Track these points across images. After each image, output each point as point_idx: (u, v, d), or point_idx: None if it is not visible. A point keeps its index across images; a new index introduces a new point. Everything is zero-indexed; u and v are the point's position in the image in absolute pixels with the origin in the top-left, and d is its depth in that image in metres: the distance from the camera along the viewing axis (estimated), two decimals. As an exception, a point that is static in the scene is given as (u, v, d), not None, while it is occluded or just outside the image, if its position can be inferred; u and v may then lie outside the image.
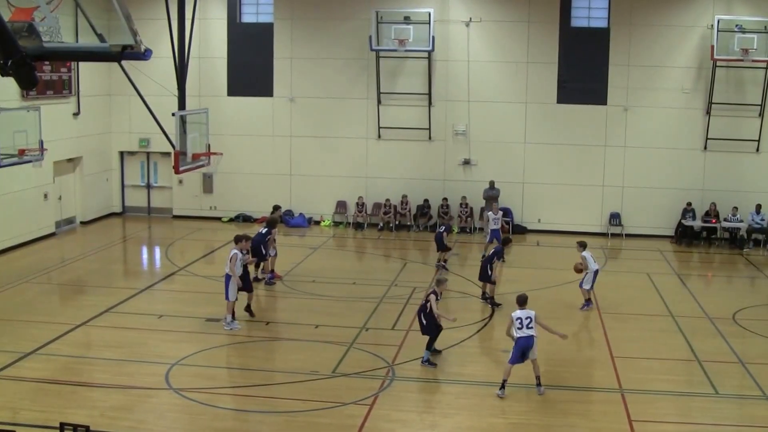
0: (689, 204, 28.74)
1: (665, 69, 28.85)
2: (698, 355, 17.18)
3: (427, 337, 16.52)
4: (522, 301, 15.21)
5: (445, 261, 24.29)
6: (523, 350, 14.85)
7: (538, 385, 15.07)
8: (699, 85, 28.72)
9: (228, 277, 18.44)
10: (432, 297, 16.40)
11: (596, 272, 20.32)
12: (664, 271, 24.97)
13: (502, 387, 14.90)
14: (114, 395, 14.64)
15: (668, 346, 17.89)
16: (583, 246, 20.52)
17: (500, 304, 20.38)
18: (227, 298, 18.48)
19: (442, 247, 24.19)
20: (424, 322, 16.48)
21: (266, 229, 21.94)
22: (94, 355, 16.91)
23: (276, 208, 24.39)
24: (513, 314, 15.07)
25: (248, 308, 19.41)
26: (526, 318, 14.91)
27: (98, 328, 18.52)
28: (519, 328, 14.86)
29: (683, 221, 28.69)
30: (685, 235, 28.64)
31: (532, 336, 14.85)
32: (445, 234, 24.06)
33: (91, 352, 17.16)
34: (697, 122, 28.82)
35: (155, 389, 14.98)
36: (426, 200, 30.18)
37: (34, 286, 22.07)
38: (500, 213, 25.99)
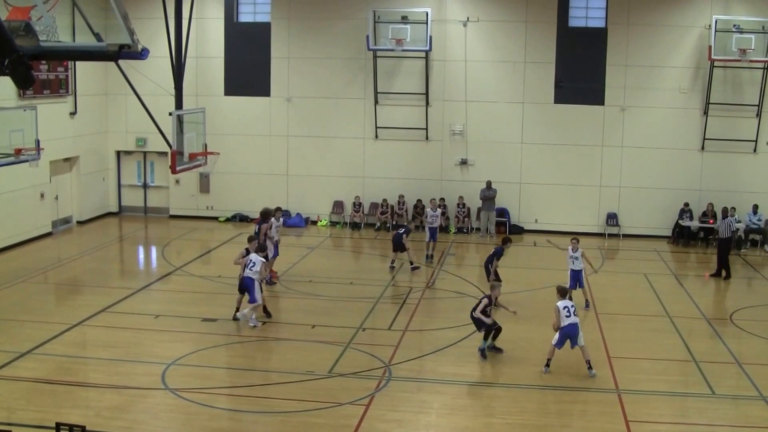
0: (686, 204, 28.76)
1: (663, 69, 28.85)
2: (695, 356, 17.19)
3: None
4: (564, 292, 16.23)
5: (411, 262, 24.17)
6: (568, 336, 15.72)
7: (590, 368, 15.84)
8: (696, 86, 28.73)
9: (252, 281, 18.46)
10: (485, 301, 16.86)
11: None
12: (660, 271, 24.98)
13: (547, 365, 16.01)
14: (109, 395, 14.61)
15: (665, 346, 17.89)
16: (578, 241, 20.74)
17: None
18: (254, 300, 18.43)
19: (400, 248, 24.01)
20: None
21: (259, 225, 21.86)
22: (90, 355, 16.91)
23: (277, 209, 24.26)
24: (558, 304, 15.86)
25: (236, 313, 19.21)
26: (572, 306, 15.87)
27: (94, 328, 18.48)
28: (567, 316, 15.71)
29: (680, 221, 28.71)
30: (682, 236, 28.65)
31: (577, 323, 15.75)
32: (404, 236, 23.90)
33: (86, 352, 17.14)
34: (695, 122, 28.83)
35: (151, 389, 14.95)
36: (419, 200, 30.08)
37: (31, 286, 22.04)
38: (439, 210, 26.01)
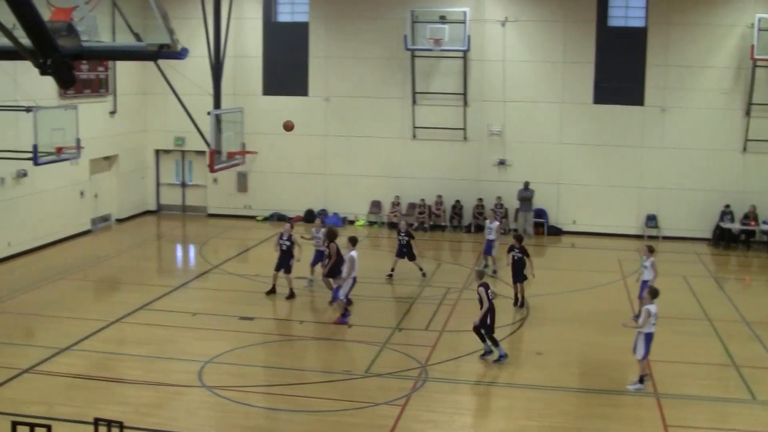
0: (727, 206, 28.33)
1: (704, 69, 28.45)
2: (735, 360, 16.94)
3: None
4: (656, 295, 15.57)
5: (420, 269, 23.28)
6: (650, 345, 15.31)
7: (641, 381, 15.44)
8: (738, 86, 28.30)
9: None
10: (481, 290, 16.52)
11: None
12: (700, 274, 24.64)
13: (641, 381, 15.35)
14: (146, 392, 14.74)
15: (704, 350, 17.65)
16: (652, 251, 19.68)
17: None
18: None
19: (410, 257, 23.10)
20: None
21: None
22: (128, 352, 17.01)
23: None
24: (650, 308, 15.32)
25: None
26: (655, 313, 15.35)
27: (132, 325, 18.66)
28: (653, 324, 15.27)
29: (721, 224, 28.27)
30: (722, 238, 28.21)
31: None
32: (410, 241, 23.02)
33: (124, 349, 17.26)
34: (737, 123, 28.39)
35: (187, 386, 15.05)
36: (458, 201, 30.03)
37: (70, 283, 22.31)
38: (496, 223, 23.60)
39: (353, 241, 19.76)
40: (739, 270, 26.33)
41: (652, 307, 15.31)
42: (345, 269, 19.18)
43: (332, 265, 20.23)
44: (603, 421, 14.02)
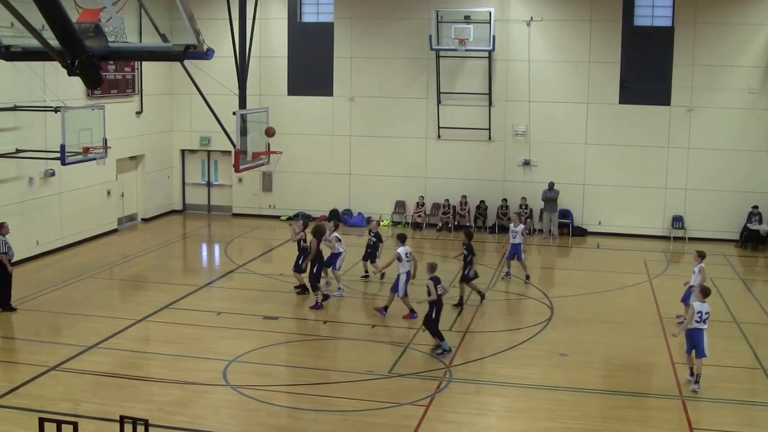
0: (755, 207, 28.05)
1: (731, 68, 28.18)
2: (763, 363, 16.78)
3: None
4: (707, 294, 15.50)
5: (381, 274, 22.69)
6: (693, 341, 15.25)
7: (696, 382, 15.24)
8: (766, 86, 28.03)
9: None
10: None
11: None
12: (728, 276, 24.40)
13: (692, 374, 15.45)
14: (171, 390, 14.83)
15: (731, 352, 17.47)
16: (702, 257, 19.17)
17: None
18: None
19: (372, 259, 22.70)
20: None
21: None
22: (153, 351, 17.15)
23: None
24: (696, 306, 15.31)
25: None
26: (706, 312, 15.27)
27: (157, 324, 18.79)
28: (697, 321, 15.20)
29: (749, 225, 28.01)
30: (750, 240, 27.95)
31: (703, 331, 15.25)
32: (378, 243, 22.56)
33: (150, 347, 17.41)
34: (765, 123, 28.10)
35: (212, 385, 15.13)
36: (482, 201, 29.98)
37: (97, 281, 22.48)
38: (521, 226, 22.90)
39: (402, 239, 20.14)
40: (767, 272, 26.05)
41: (697, 306, 15.26)
42: (399, 266, 19.49)
43: (308, 260, 20.31)
44: (628, 424, 13.93)
